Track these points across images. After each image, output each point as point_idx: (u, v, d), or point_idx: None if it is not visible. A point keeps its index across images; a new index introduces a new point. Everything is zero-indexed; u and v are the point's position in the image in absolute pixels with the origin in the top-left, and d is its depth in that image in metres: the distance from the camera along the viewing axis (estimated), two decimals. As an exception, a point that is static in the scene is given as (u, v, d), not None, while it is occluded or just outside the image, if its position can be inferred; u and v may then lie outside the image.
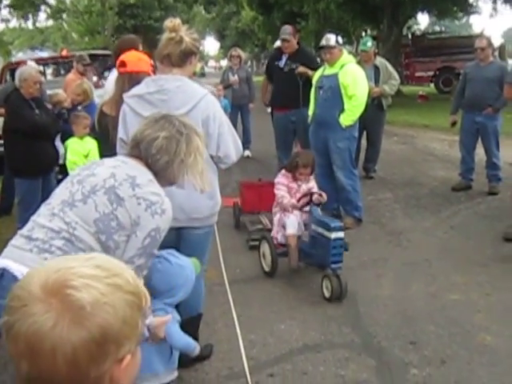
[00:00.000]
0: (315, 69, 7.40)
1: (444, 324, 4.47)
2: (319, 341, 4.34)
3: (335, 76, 6.60)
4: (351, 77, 6.58)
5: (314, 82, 7.00)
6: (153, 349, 2.82)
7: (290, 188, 5.38)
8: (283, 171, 5.52)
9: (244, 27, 40.65)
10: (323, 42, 6.76)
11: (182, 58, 3.53)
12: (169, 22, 3.57)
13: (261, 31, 35.73)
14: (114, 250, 2.42)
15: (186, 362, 3.87)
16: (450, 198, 8.17)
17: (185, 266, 2.99)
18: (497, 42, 11.53)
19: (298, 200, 5.22)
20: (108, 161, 2.76)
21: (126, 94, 3.57)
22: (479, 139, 8.61)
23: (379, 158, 9.47)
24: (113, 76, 5.01)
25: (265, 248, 5.39)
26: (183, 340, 2.91)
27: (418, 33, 29.59)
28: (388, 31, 20.02)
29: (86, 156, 5.63)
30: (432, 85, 24.46)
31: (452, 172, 9.41)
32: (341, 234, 4.82)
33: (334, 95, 6.61)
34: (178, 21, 3.64)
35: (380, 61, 8.81)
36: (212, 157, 3.52)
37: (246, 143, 11.19)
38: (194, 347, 2.97)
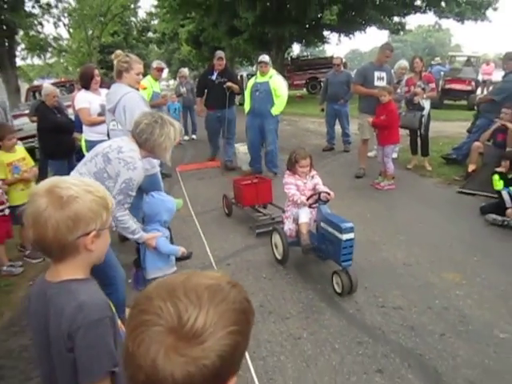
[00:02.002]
0: (236, 83, 7.29)
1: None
2: (256, 243, 4.49)
3: (267, 83, 6.58)
4: (279, 83, 6.62)
5: (248, 87, 6.84)
6: (155, 253, 2.92)
7: (298, 186, 3.88)
8: (288, 172, 3.98)
9: (183, 57, 39.57)
10: (261, 59, 6.66)
11: (117, 73, 3.74)
12: (113, 55, 3.85)
13: (194, 59, 34.95)
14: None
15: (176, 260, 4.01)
16: (322, 155, 8.27)
17: (165, 200, 3.02)
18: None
19: (308, 199, 3.73)
20: (117, 138, 2.91)
21: None
22: (337, 119, 8.83)
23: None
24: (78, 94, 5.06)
25: (276, 239, 4.03)
26: (168, 248, 2.91)
27: (294, 56, 29.62)
28: (276, 56, 20.07)
29: None
30: (304, 89, 24.70)
31: (321, 140, 9.56)
32: (351, 235, 3.37)
33: (267, 95, 6.58)
34: (116, 52, 3.85)
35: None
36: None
37: (193, 130, 11.14)
38: (177, 251, 2.95)
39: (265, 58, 6.65)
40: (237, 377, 0.73)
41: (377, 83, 6.33)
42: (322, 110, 9.18)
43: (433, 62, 19.31)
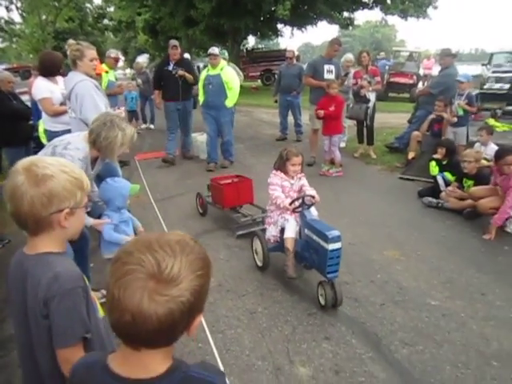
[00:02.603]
0: (191, 72, 6.94)
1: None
2: (213, 228, 4.57)
3: (219, 75, 6.47)
4: (230, 75, 6.53)
5: (201, 79, 6.65)
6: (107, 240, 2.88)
7: (284, 187, 3.47)
8: (274, 171, 3.55)
9: (140, 46, 38.28)
10: (210, 51, 6.55)
11: (72, 63, 3.71)
12: (66, 45, 3.78)
13: (151, 49, 33.97)
14: None
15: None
16: (275, 145, 8.26)
17: (117, 186, 2.91)
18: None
19: (291, 203, 3.28)
20: (75, 133, 2.87)
21: None
22: (289, 110, 8.96)
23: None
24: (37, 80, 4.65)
25: (257, 245, 3.65)
26: (112, 236, 2.83)
27: (249, 48, 29.44)
28: (232, 47, 20.05)
29: None
30: (259, 80, 24.73)
31: (275, 130, 9.64)
32: (338, 245, 2.92)
33: (219, 88, 6.48)
34: (68, 42, 3.80)
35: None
36: (80, 119, 3.57)
37: (152, 119, 10.95)
38: (120, 241, 2.81)
39: (214, 50, 6.55)
40: (201, 316, 0.90)
41: (326, 76, 6.52)
42: (276, 101, 9.27)
43: (378, 57, 19.93)
